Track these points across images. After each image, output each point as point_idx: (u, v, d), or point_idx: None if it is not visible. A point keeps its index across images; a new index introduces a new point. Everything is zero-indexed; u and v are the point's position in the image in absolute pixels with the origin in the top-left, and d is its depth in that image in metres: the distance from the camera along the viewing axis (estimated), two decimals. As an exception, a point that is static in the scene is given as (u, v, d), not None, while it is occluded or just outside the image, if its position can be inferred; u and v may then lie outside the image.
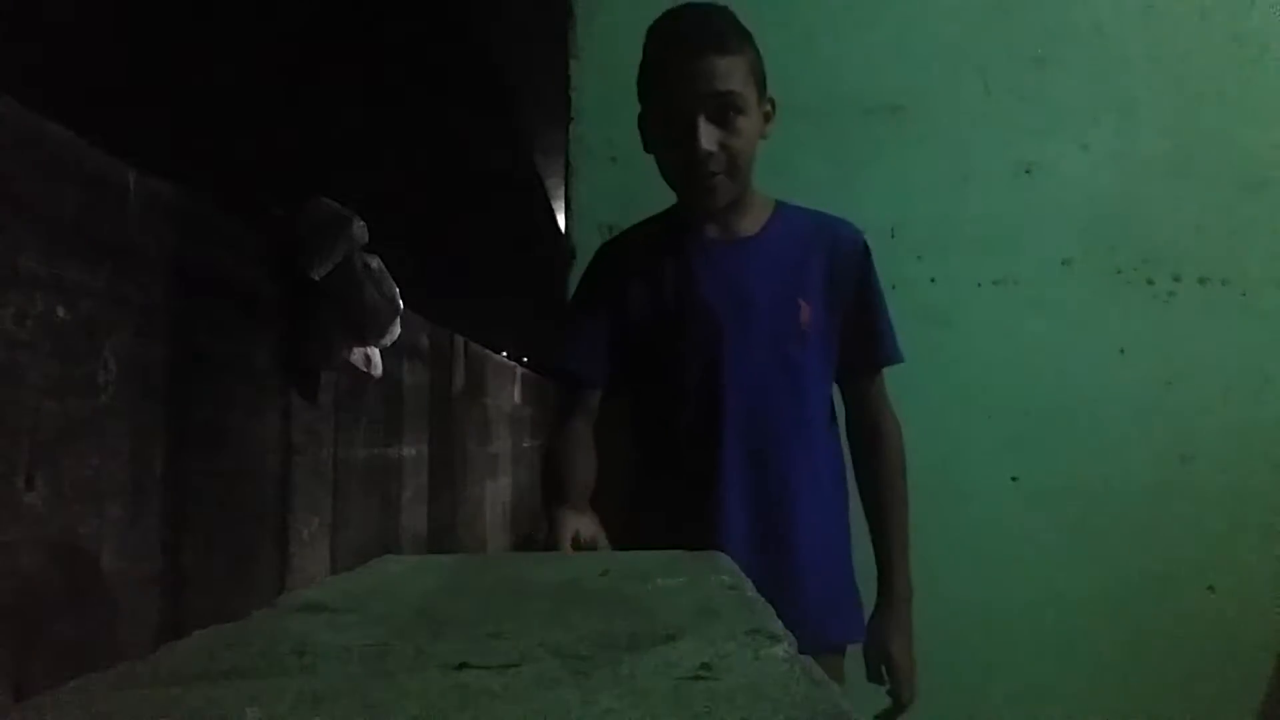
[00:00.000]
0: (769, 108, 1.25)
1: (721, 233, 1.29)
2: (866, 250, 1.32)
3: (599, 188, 1.71)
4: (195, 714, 0.39)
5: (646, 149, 1.28)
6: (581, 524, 1.11)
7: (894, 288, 1.61)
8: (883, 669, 1.27)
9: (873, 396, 1.34)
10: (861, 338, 1.31)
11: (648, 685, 0.40)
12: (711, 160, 1.19)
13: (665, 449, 1.27)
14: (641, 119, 1.28)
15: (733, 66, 1.18)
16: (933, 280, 1.73)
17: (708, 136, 1.17)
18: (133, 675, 0.46)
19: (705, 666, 0.43)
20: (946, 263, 1.74)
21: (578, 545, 1.08)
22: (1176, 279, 1.76)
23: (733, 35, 1.20)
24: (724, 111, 1.18)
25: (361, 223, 1.75)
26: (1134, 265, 1.76)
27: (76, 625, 0.93)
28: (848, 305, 1.30)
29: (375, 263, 1.82)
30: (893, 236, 1.71)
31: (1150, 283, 1.76)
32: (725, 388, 1.23)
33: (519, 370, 5.37)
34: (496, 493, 4.55)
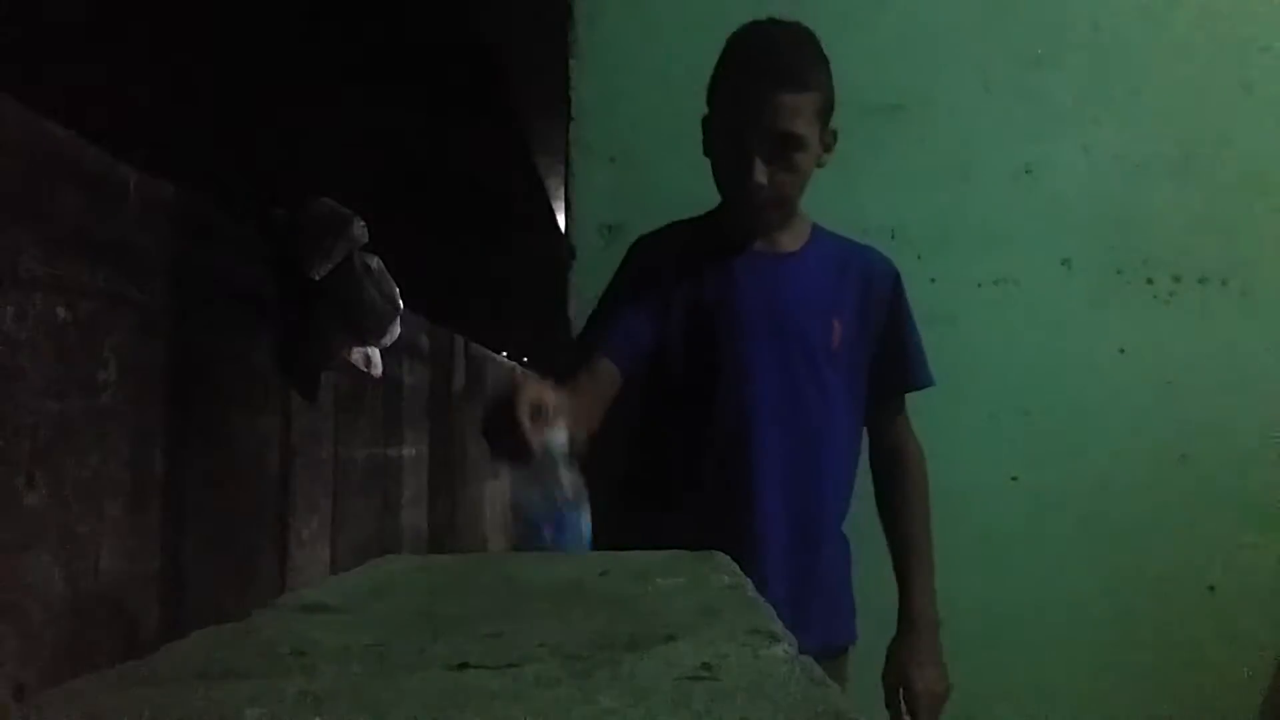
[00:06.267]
0: (831, 139, 1.25)
1: (765, 244, 1.29)
2: (898, 279, 1.34)
3: (599, 188, 1.71)
4: (195, 714, 0.39)
5: (705, 152, 1.28)
6: (543, 390, 0.91)
7: (894, 288, 1.61)
8: (900, 698, 1.24)
9: (898, 423, 1.36)
10: (891, 361, 1.33)
11: (648, 685, 0.40)
12: (762, 193, 1.19)
13: (691, 454, 1.25)
14: (706, 121, 1.27)
15: (801, 105, 1.17)
16: (933, 280, 1.73)
17: (762, 172, 1.18)
18: (133, 675, 0.46)
19: (705, 666, 0.43)
20: (946, 263, 1.74)
21: (525, 410, 0.87)
22: (1176, 279, 1.76)
23: (810, 69, 1.20)
24: (782, 151, 1.18)
25: (361, 223, 1.75)
26: (1134, 265, 1.76)
27: (76, 625, 0.92)
28: (880, 330, 1.32)
29: (375, 263, 1.82)
30: (893, 236, 1.71)
31: (1150, 283, 1.76)
32: (759, 398, 1.23)
33: (519, 370, 5.37)
34: (496, 493, 4.55)
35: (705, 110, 1.27)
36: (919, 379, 1.35)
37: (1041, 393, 1.73)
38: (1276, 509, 1.73)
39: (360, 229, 1.74)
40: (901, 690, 1.24)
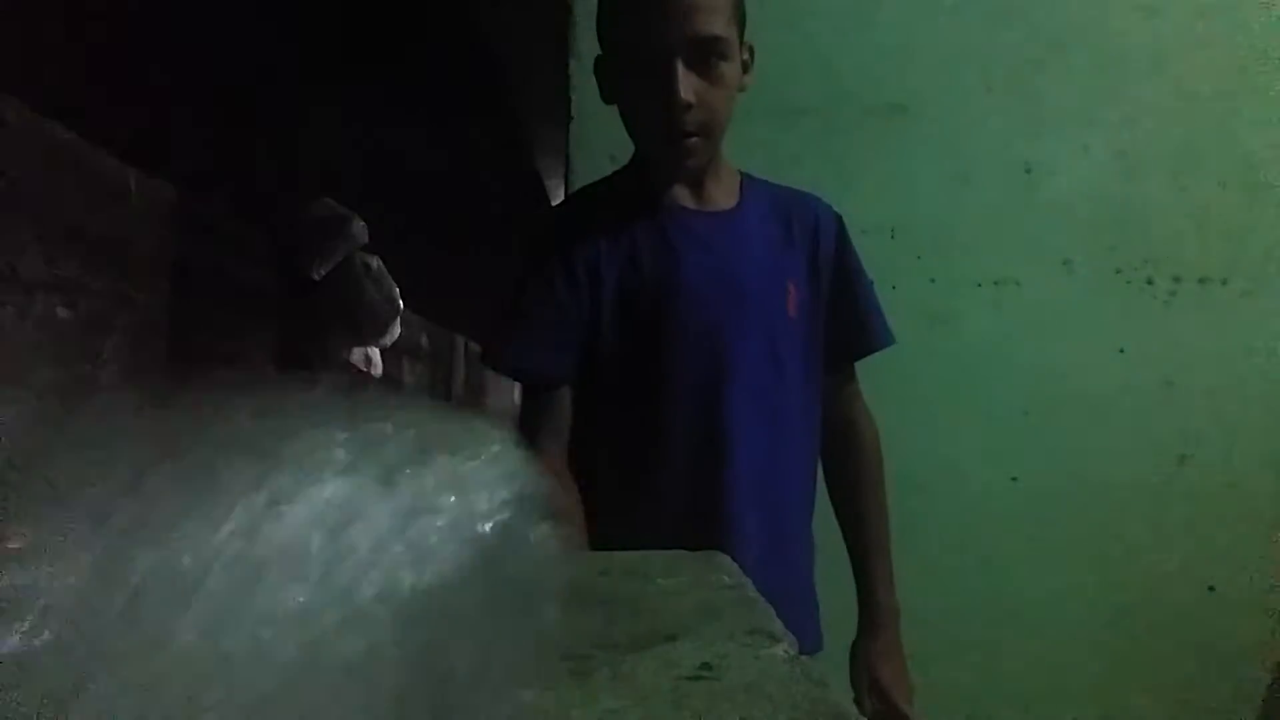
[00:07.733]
0: (748, 55, 1.07)
1: (697, 201, 1.11)
2: (843, 225, 1.18)
3: (599, 188, 1.71)
4: (195, 714, 0.39)
5: (605, 99, 1.09)
6: None
7: (894, 288, 1.61)
8: (870, 698, 1.12)
9: (850, 395, 1.21)
10: (844, 323, 1.16)
11: (648, 685, 0.40)
12: (689, 114, 1.00)
13: (652, 452, 1.06)
14: (599, 64, 1.09)
15: (717, 3, 1.00)
16: (933, 280, 1.73)
17: (686, 87, 0.98)
18: (133, 675, 0.46)
19: (705, 666, 0.43)
20: (946, 263, 1.74)
21: None
22: (1176, 279, 1.76)
23: None
24: (705, 58, 0.99)
25: (361, 223, 1.75)
26: (1134, 265, 1.76)
27: (76, 625, 0.93)
28: (830, 289, 1.15)
29: (375, 263, 1.82)
30: (893, 236, 1.71)
31: (1150, 283, 1.76)
32: (728, 383, 1.05)
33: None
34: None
35: (598, 52, 1.08)
36: (876, 340, 1.18)
37: (1041, 393, 1.73)
38: (1276, 509, 1.73)
39: (360, 229, 1.74)
40: (874, 690, 1.12)
